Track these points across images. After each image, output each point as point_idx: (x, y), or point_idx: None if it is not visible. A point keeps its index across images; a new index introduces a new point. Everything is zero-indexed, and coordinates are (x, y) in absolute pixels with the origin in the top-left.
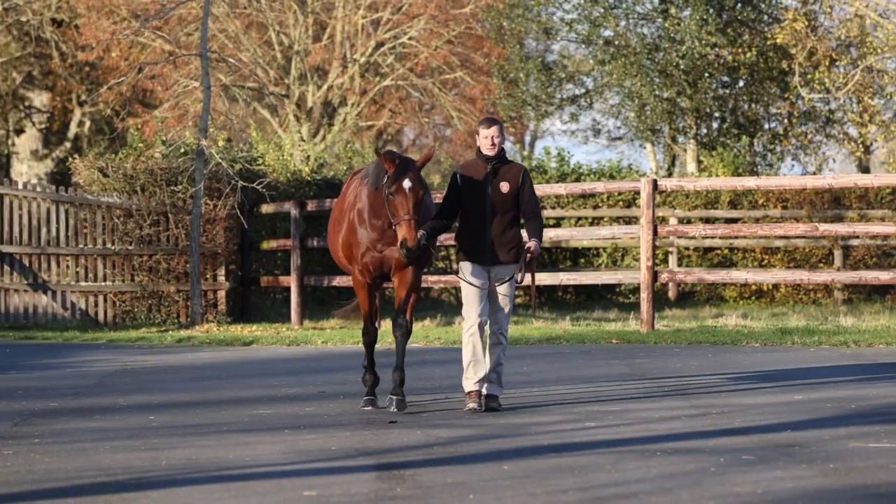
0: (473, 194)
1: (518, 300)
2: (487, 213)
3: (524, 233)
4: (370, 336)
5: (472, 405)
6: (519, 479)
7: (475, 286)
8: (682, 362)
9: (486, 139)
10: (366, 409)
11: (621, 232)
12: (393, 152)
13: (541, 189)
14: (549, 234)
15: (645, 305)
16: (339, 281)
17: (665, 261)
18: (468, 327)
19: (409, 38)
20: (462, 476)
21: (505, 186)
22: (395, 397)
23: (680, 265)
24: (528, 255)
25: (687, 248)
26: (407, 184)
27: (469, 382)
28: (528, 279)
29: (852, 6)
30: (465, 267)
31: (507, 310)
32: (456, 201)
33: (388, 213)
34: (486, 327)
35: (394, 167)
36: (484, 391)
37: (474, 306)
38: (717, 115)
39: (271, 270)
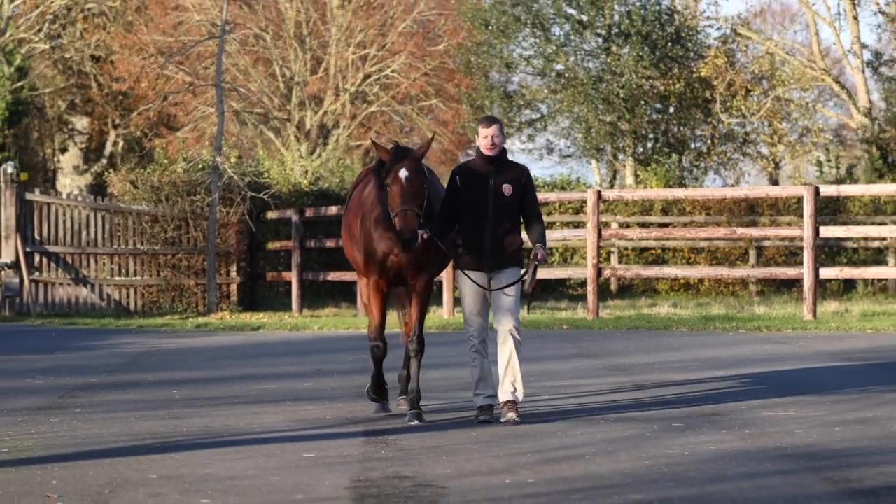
0: (473, 196)
1: None
2: (488, 215)
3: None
4: (380, 350)
5: (483, 417)
6: (485, 443)
7: (477, 288)
8: (623, 345)
9: (485, 139)
10: (378, 414)
11: (571, 235)
12: (397, 145)
13: None
14: None
15: (591, 297)
16: (334, 276)
17: (608, 259)
18: (470, 345)
19: (392, 71)
20: (437, 441)
21: (507, 188)
22: (414, 411)
23: (620, 263)
24: (536, 263)
25: (626, 249)
26: (403, 173)
27: (479, 398)
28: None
29: (764, 45)
30: (462, 277)
31: (513, 307)
32: (456, 202)
33: (388, 205)
34: (499, 334)
35: (390, 156)
36: (501, 399)
37: (475, 322)
38: (651, 136)
39: (275, 267)
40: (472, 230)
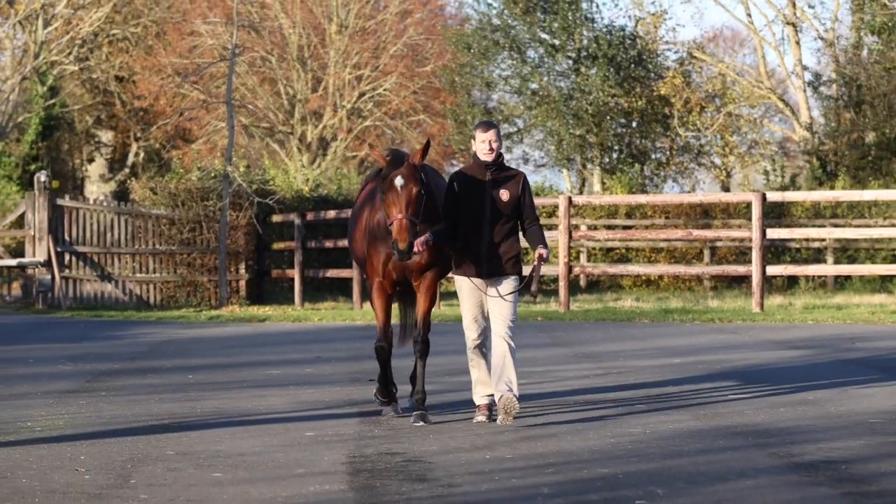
0: (471, 202)
1: None
2: (486, 222)
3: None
4: (386, 352)
5: (479, 418)
6: (467, 424)
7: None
8: (591, 334)
9: (483, 143)
10: (388, 414)
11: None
12: (393, 150)
13: None
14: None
15: (562, 291)
16: (332, 273)
17: (578, 258)
18: (469, 346)
19: (384, 90)
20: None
21: (505, 194)
22: (419, 412)
23: (589, 261)
24: (540, 263)
25: (594, 248)
26: (399, 181)
27: (478, 396)
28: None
29: (716, 67)
30: (460, 281)
31: (510, 313)
32: (454, 208)
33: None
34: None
35: (385, 163)
36: (496, 399)
37: (472, 325)
38: (616, 148)
39: (280, 265)
40: (469, 236)
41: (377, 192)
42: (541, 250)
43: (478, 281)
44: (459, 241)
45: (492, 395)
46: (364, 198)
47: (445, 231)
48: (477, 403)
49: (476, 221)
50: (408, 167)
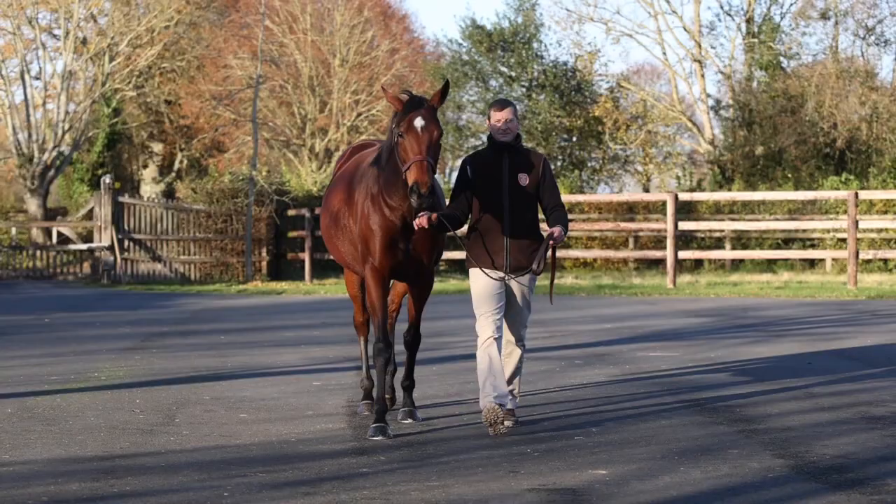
0: (487, 189)
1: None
2: (505, 210)
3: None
4: (386, 353)
5: (508, 423)
6: (441, 376)
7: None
8: (539, 305)
9: (497, 123)
10: (376, 438)
11: None
12: (409, 92)
13: None
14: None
15: None
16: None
17: None
18: (482, 342)
19: (377, 111)
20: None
21: (524, 178)
22: (406, 409)
23: None
24: (552, 241)
25: None
26: (419, 122)
27: (486, 399)
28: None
29: (639, 94)
30: (477, 275)
31: (524, 314)
32: (468, 195)
33: (396, 159)
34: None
35: (402, 105)
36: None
37: (488, 320)
38: (560, 158)
39: (293, 249)
40: (487, 225)
41: (368, 166)
42: (555, 228)
43: (496, 275)
44: (476, 232)
45: (501, 396)
46: (345, 181)
47: (454, 216)
48: (484, 407)
49: (494, 211)
50: (428, 109)
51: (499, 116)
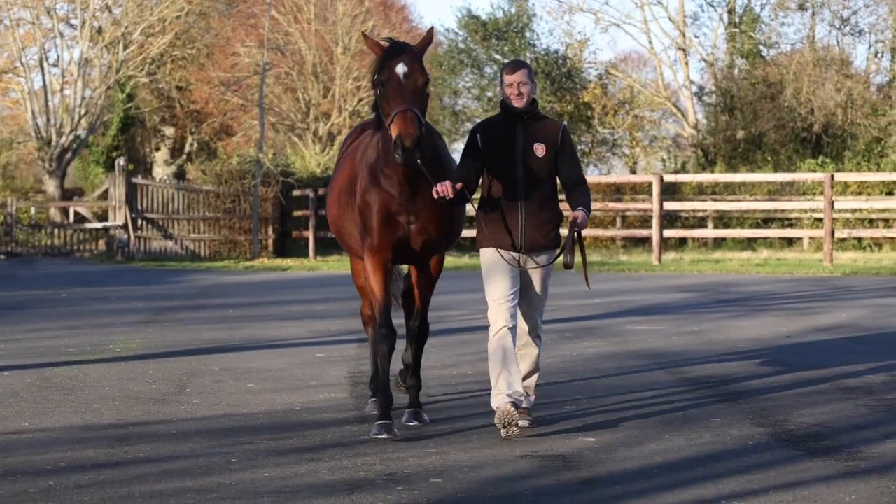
0: (500, 159)
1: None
2: (520, 183)
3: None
4: (389, 340)
5: (523, 423)
6: (438, 348)
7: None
8: None
9: (510, 87)
10: (381, 437)
11: None
12: (391, 39)
13: None
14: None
15: None
16: None
17: None
18: (495, 332)
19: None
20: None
21: (540, 149)
22: (412, 410)
23: None
24: (577, 229)
25: None
26: (401, 68)
27: (500, 397)
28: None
29: (626, 80)
30: (489, 255)
31: (541, 300)
32: (477, 163)
33: (380, 112)
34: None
35: (382, 50)
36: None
37: (502, 307)
38: None
39: (298, 228)
40: (500, 203)
41: (369, 135)
42: (577, 212)
43: (510, 255)
44: (487, 207)
45: (514, 394)
46: (349, 158)
47: (463, 177)
48: (496, 405)
49: (508, 183)
50: (410, 54)
51: (511, 79)
